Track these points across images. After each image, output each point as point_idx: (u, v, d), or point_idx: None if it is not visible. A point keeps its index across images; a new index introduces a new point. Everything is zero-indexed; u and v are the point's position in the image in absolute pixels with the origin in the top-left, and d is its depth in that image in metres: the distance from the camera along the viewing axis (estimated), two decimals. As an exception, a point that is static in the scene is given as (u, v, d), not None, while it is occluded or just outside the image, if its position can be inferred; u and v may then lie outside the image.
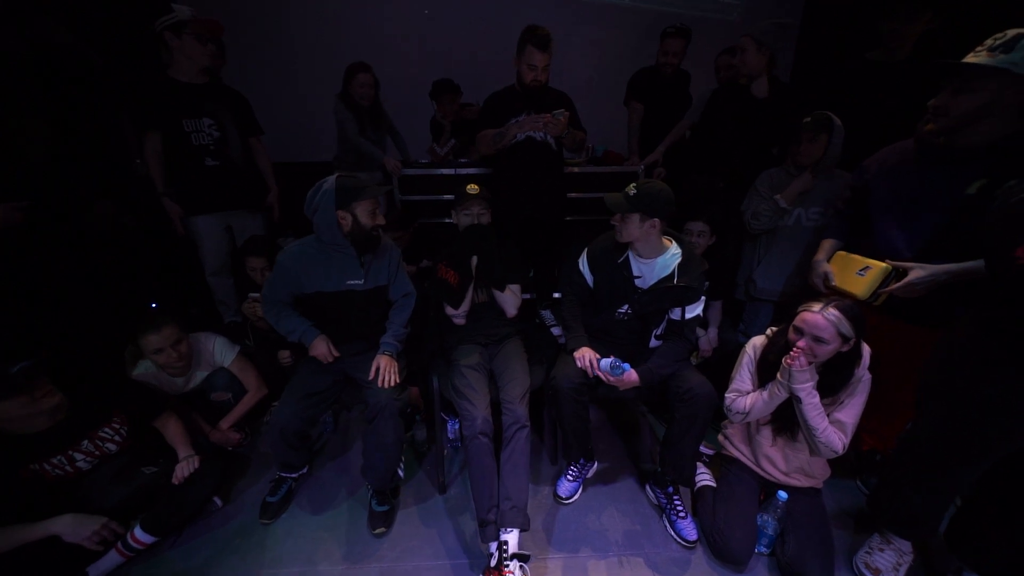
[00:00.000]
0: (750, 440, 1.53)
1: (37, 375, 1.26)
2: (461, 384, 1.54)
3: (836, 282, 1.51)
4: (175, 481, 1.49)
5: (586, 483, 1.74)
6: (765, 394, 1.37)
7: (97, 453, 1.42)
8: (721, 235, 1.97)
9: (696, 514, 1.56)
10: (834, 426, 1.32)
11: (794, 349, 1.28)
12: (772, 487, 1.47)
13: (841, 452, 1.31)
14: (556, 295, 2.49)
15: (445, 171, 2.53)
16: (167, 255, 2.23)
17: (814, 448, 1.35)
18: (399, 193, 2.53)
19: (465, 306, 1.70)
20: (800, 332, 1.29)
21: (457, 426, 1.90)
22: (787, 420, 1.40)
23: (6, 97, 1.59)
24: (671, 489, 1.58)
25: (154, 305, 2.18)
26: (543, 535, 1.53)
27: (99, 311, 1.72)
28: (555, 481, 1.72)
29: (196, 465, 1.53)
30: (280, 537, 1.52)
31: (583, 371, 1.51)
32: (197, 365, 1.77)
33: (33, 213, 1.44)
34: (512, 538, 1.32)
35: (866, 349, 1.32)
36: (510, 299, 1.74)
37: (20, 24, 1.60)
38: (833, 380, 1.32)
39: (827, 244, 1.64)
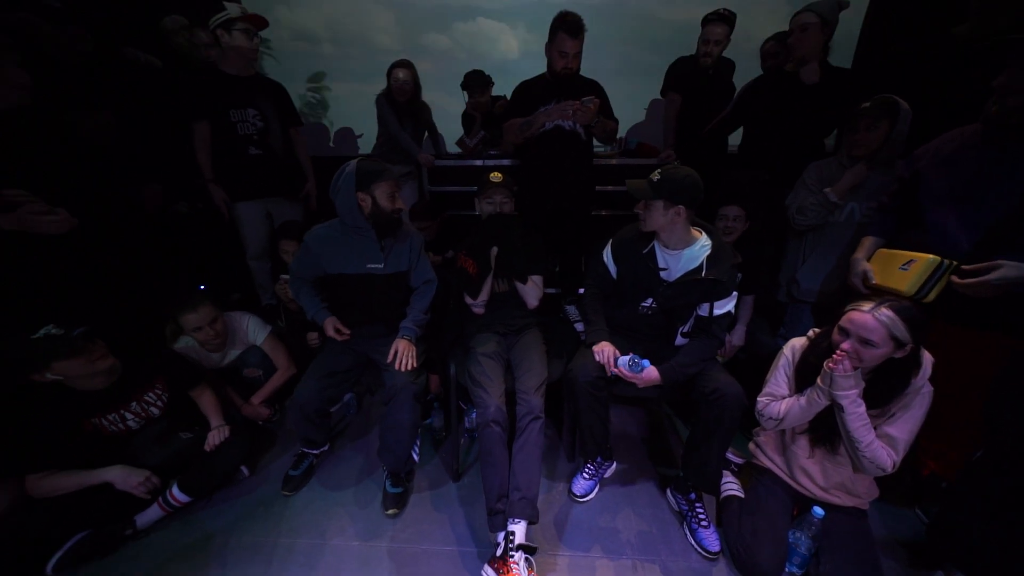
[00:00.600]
0: (784, 450, 1.41)
1: (94, 339, 1.39)
2: (476, 372, 1.53)
3: (877, 280, 1.36)
4: (207, 448, 1.59)
5: (603, 483, 1.68)
6: (803, 400, 1.25)
7: (143, 415, 1.55)
8: (755, 221, 1.83)
9: (720, 524, 1.46)
10: (882, 441, 1.18)
11: (837, 352, 1.16)
12: (808, 502, 1.34)
13: (890, 470, 1.18)
14: (582, 291, 2.43)
15: (474, 163, 2.53)
16: (213, 240, 2.37)
17: (858, 463, 1.22)
18: (428, 184, 2.57)
19: (483, 296, 1.69)
20: (846, 333, 1.16)
21: (475, 416, 1.89)
22: (827, 430, 1.27)
23: (81, 94, 1.78)
24: (693, 496, 1.49)
25: (203, 287, 2.34)
26: (554, 531, 1.48)
27: (147, 287, 1.86)
28: (571, 478, 1.67)
29: (227, 434, 1.62)
30: (298, 509, 1.58)
31: (602, 365, 1.45)
32: (232, 343, 1.88)
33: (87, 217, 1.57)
34: (519, 529, 1.29)
35: (927, 358, 1.17)
36: (532, 290, 1.71)
37: (93, 39, 1.80)
38: (883, 389, 1.18)
39: (868, 242, 1.49)
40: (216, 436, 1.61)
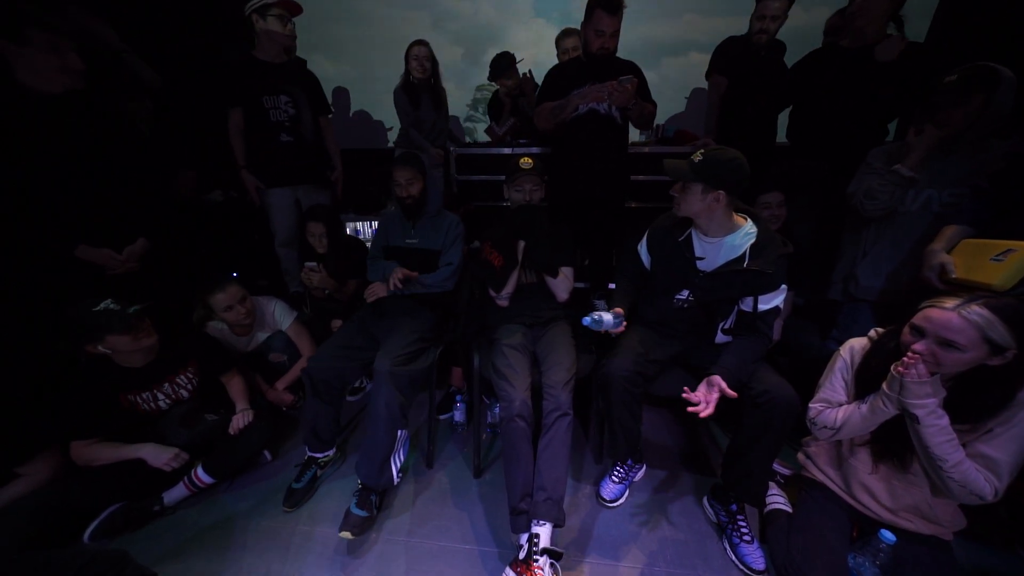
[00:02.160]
0: (840, 463, 1.27)
1: (143, 318, 1.44)
2: (501, 364, 1.46)
3: (959, 274, 1.19)
4: (231, 431, 1.59)
5: (633, 488, 1.57)
6: (864, 408, 1.11)
7: (173, 396, 1.57)
8: (793, 209, 1.69)
9: (765, 540, 1.33)
10: (976, 462, 1.00)
11: (908, 354, 1.01)
12: (870, 523, 1.20)
13: (991, 498, 0.99)
14: (612, 286, 2.32)
15: (503, 151, 2.46)
16: (244, 228, 2.40)
17: (942, 486, 1.04)
18: (455, 173, 2.52)
19: (508, 289, 1.62)
20: (920, 333, 1.01)
21: (498, 410, 1.83)
22: (894, 443, 1.12)
23: (122, 82, 1.83)
24: (735, 507, 1.36)
25: (235, 275, 2.37)
26: (580, 536, 1.39)
27: (182, 273, 1.89)
28: (599, 481, 1.58)
29: (250, 418, 1.62)
30: (318, 497, 1.56)
31: (638, 359, 1.36)
32: (260, 326, 1.89)
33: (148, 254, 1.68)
34: (544, 532, 1.21)
35: None
36: (562, 283, 1.63)
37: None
38: (974, 401, 1.01)
39: (950, 231, 1.32)
40: (240, 420, 1.61)
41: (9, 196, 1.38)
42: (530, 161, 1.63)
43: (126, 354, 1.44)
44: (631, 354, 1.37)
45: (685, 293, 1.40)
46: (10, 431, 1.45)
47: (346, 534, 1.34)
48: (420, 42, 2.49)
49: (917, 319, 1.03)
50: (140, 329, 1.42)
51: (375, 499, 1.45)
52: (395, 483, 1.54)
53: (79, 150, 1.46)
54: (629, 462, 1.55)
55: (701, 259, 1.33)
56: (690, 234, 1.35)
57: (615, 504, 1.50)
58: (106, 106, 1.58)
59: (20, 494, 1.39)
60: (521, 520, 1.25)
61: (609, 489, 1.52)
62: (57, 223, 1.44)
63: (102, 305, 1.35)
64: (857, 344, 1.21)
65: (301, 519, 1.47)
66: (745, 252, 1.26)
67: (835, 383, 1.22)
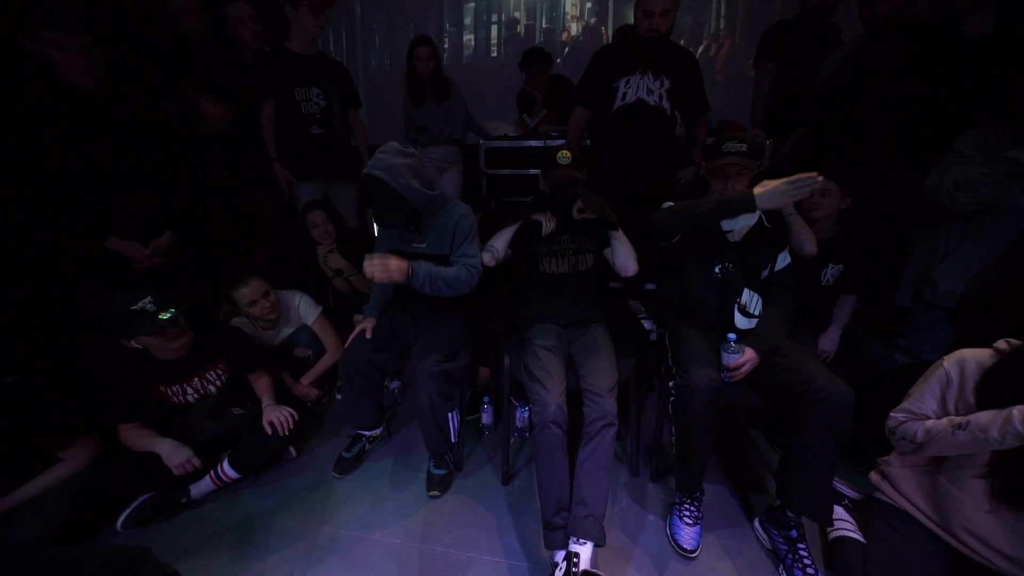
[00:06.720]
0: (936, 494, 1.07)
1: (176, 320, 1.41)
2: (534, 365, 1.36)
3: None
4: (267, 429, 1.55)
5: (674, 504, 1.44)
6: (995, 431, 0.88)
7: (201, 391, 1.55)
8: (861, 202, 1.58)
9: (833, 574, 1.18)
10: None
11: None
12: (975, 570, 1.00)
13: None
14: (649, 286, 2.20)
15: (533, 143, 2.37)
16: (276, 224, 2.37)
17: None
18: (484, 167, 2.44)
19: (499, 247, 1.51)
20: None
21: (526, 414, 1.73)
22: None
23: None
24: (794, 533, 1.22)
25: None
26: (617, 557, 1.27)
27: (215, 265, 1.88)
28: (641, 500, 1.46)
29: (292, 424, 1.57)
30: (342, 498, 1.51)
31: (716, 366, 1.25)
32: (285, 321, 1.86)
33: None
34: (585, 552, 1.11)
35: None
36: (625, 249, 1.48)
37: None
38: None
39: None
40: (283, 420, 1.56)
41: (45, 187, 1.38)
42: (568, 155, 1.46)
43: (157, 349, 1.43)
44: (706, 361, 1.23)
45: (718, 267, 1.37)
46: (51, 416, 1.45)
47: (435, 493, 1.50)
48: (423, 41, 2.34)
49: None
50: (171, 333, 1.39)
51: (448, 457, 1.58)
52: (454, 440, 1.58)
53: (109, 142, 1.45)
54: (696, 494, 1.33)
55: (728, 232, 1.35)
56: None
57: (695, 554, 1.25)
58: (136, 99, 1.58)
59: (61, 478, 1.39)
60: (557, 536, 1.15)
61: (687, 535, 1.28)
62: (89, 213, 1.43)
63: (139, 304, 1.32)
64: (972, 356, 1.01)
65: (325, 521, 1.42)
66: (760, 214, 1.30)
67: (926, 395, 1.06)
